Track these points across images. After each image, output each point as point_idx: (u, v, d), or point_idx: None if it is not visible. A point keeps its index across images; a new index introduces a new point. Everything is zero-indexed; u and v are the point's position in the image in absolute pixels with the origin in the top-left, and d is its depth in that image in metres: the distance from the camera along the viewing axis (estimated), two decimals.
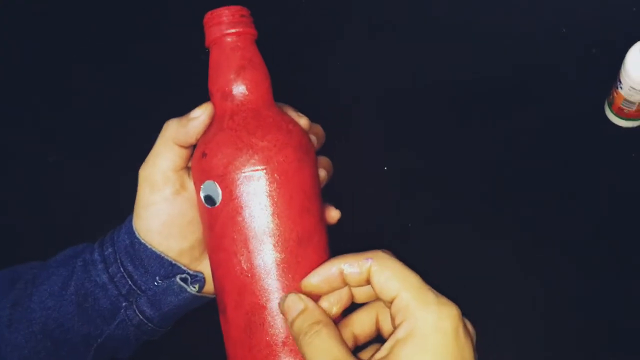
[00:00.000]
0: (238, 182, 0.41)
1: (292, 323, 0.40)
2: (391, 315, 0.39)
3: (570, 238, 0.66)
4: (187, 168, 0.48)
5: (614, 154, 0.69)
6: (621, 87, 0.65)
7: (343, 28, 0.77)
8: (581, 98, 0.71)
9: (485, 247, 0.66)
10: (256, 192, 0.41)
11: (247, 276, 0.41)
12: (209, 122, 0.45)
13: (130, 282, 0.48)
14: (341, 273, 0.41)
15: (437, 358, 0.35)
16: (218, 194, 0.42)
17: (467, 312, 0.39)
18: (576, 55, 0.73)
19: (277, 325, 0.41)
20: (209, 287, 0.50)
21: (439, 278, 0.40)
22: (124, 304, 0.49)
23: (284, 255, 0.41)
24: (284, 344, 0.41)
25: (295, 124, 0.44)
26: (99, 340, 0.50)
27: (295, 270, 0.41)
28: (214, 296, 0.47)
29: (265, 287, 0.41)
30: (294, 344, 0.41)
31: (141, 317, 0.49)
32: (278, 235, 0.41)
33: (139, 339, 0.51)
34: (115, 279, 0.48)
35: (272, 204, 0.41)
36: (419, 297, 0.37)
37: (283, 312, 0.41)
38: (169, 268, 0.48)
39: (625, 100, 0.66)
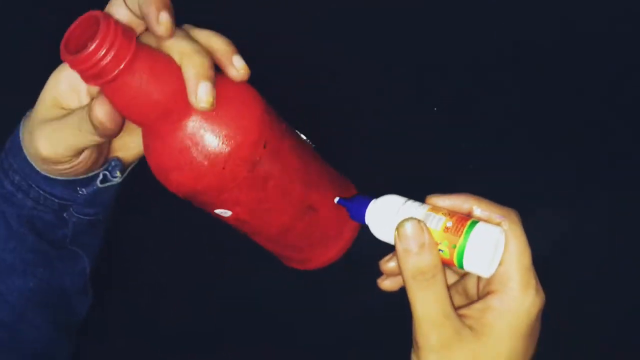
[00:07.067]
0: None
1: (407, 257, 0.40)
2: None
3: None
4: None
5: None
6: None
7: None
8: None
9: None
10: None
11: None
12: None
13: (57, 200, 0.48)
14: (470, 212, 0.42)
15: (522, 336, 0.41)
16: None
17: None
18: None
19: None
20: (128, 156, 0.48)
21: None
22: (64, 214, 0.49)
23: None
24: None
25: None
26: (67, 240, 0.50)
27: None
28: (137, 160, 0.48)
29: None
30: None
31: (88, 217, 0.49)
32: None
33: (101, 220, 0.51)
34: (41, 202, 0.48)
35: None
36: (524, 279, 0.41)
37: (402, 238, 0.40)
38: (84, 181, 0.47)
39: None
